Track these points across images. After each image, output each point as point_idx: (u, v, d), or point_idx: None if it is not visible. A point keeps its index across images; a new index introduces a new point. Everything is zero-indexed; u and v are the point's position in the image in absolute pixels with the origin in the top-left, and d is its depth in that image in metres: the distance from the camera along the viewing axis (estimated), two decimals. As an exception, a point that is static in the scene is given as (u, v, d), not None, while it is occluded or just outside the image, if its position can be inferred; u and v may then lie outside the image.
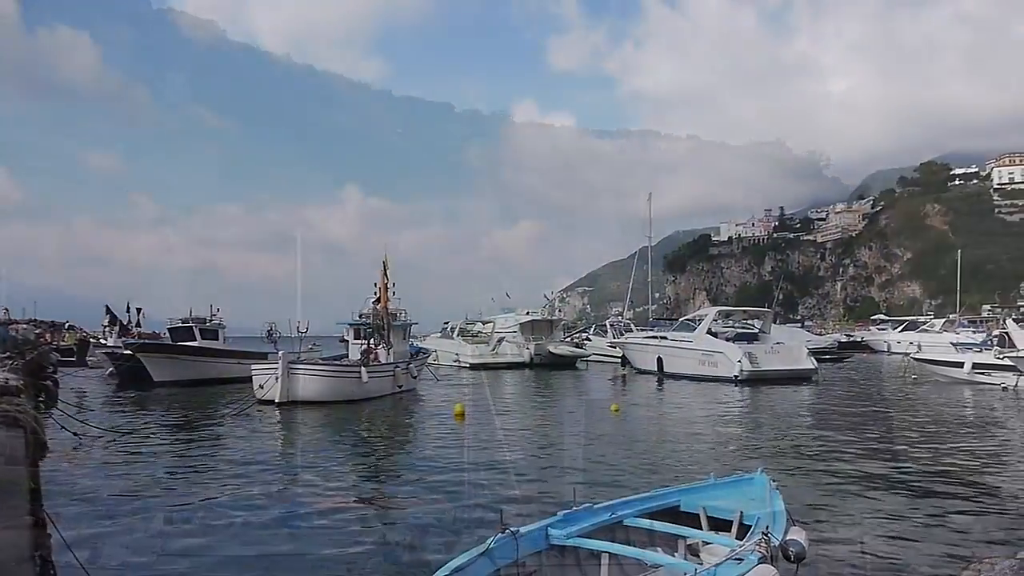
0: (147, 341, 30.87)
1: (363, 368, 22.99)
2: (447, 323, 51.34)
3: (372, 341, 25.40)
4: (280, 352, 22.42)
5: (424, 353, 31.96)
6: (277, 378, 21.24)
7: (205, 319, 31.99)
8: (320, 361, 24.60)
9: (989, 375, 26.58)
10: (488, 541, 4.90)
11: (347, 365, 24.19)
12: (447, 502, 9.21)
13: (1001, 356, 26.76)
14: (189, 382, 27.95)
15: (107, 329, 40.80)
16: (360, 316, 27.43)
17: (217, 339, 31.92)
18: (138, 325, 37.68)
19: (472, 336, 47.56)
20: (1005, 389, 24.61)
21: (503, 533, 5.08)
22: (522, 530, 5.30)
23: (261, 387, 21.59)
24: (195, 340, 30.71)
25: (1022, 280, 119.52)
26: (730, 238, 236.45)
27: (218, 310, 33.07)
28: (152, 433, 16.28)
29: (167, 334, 31.96)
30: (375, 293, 26.32)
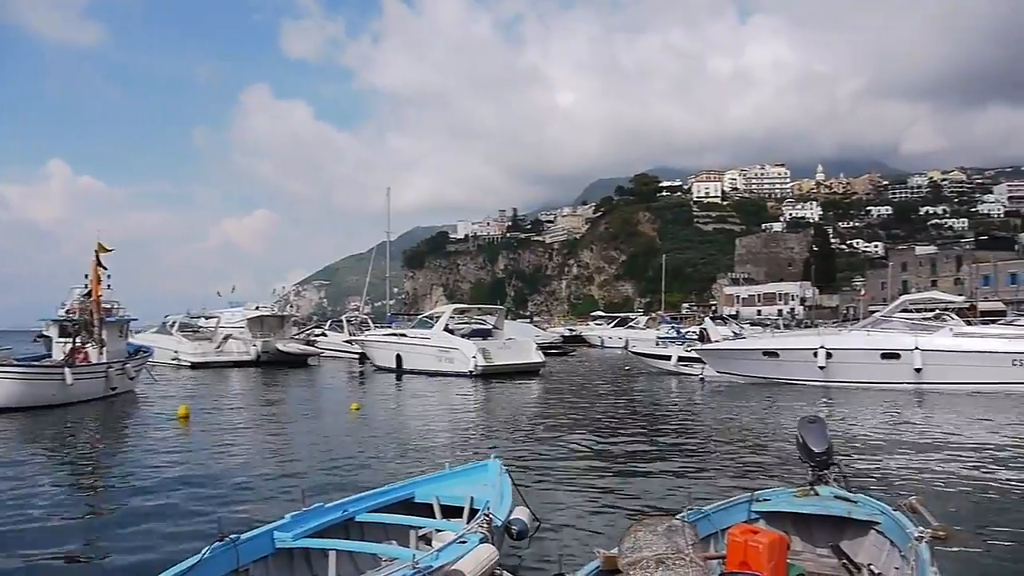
0: None
1: (67, 369, 20.52)
2: (167, 317, 47.49)
3: (79, 339, 22.71)
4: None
5: (145, 351, 29.27)
6: (-45, 382, 18.30)
7: None
8: (13, 361, 21.52)
9: (691, 366, 30.23)
10: (203, 551, 4.54)
11: (47, 366, 21.44)
12: (165, 513, 8.49)
13: (689, 350, 30.59)
14: None
15: None
16: (67, 311, 24.38)
17: None
18: None
19: (194, 332, 44.44)
20: (701, 380, 28.10)
21: (221, 541, 4.75)
22: (243, 536, 5.00)
23: (-67, 392, 18.47)
24: None
25: (714, 282, 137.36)
26: (467, 236, 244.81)
27: None
28: None
29: None
30: (85, 285, 23.52)
